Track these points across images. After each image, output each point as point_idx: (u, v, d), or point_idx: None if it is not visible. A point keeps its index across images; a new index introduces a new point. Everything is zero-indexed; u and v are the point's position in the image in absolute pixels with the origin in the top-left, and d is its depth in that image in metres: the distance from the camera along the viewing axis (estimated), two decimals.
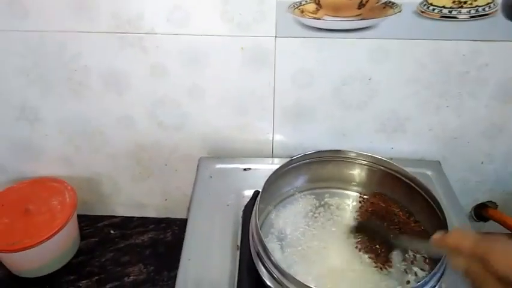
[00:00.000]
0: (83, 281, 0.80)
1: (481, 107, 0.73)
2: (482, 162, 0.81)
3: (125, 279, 0.81)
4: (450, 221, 0.67)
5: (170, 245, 0.88)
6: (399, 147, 0.79)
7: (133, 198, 0.92)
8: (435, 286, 0.50)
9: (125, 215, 0.94)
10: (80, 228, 0.89)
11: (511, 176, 0.82)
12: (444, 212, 0.58)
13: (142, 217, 0.94)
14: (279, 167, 0.63)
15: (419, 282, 0.48)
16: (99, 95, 0.75)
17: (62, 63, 0.72)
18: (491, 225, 0.85)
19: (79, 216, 0.88)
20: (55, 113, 0.78)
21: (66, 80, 0.74)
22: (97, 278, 0.81)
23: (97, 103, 0.76)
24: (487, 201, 0.85)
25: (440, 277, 0.51)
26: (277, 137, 0.80)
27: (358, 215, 0.66)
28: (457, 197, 0.72)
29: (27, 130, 0.81)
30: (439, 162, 0.79)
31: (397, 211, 0.66)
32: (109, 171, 0.87)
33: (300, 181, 0.68)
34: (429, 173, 0.76)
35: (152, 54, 0.70)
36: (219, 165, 0.78)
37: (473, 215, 0.87)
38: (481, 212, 0.85)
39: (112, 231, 0.91)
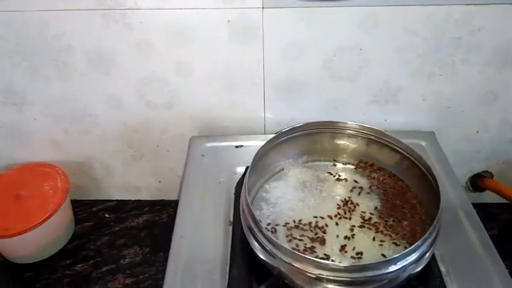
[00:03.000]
0: (79, 265, 0.80)
1: (475, 74, 0.72)
2: (477, 132, 0.79)
3: (121, 261, 0.81)
4: (445, 191, 0.67)
5: (165, 226, 0.88)
6: (392, 118, 0.78)
7: (126, 182, 0.91)
8: (427, 251, 0.49)
9: (119, 199, 0.93)
10: (75, 213, 0.88)
11: (507, 144, 0.81)
12: (438, 181, 0.57)
13: (136, 200, 0.93)
14: (268, 141, 0.62)
15: (411, 246, 0.47)
16: (85, 75, 0.74)
17: (45, 43, 0.70)
18: (487, 195, 0.84)
19: (73, 202, 0.87)
20: (42, 95, 0.77)
21: (50, 61, 0.72)
22: (93, 261, 0.81)
23: (84, 84, 0.75)
24: (483, 171, 0.84)
25: (432, 243, 0.50)
26: (269, 113, 0.78)
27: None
28: (451, 168, 0.72)
29: (15, 115, 0.79)
30: (433, 132, 0.78)
31: (391, 182, 0.65)
32: (100, 155, 0.86)
33: (290, 154, 0.67)
34: (423, 143, 0.75)
35: (137, 31, 0.68)
36: (210, 144, 0.77)
37: (469, 186, 0.86)
38: (477, 182, 0.84)
39: (106, 215, 0.90)
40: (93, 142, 0.83)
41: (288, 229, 0.59)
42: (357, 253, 0.55)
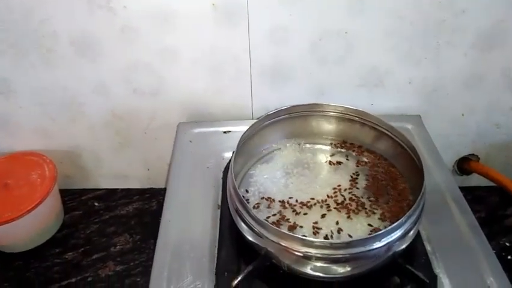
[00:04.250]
0: (69, 253, 0.80)
1: (460, 57, 0.73)
2: (462, 115, 0.80)
3: (112, 249, 0.81)
4: (432, 175, 0.68)
5: (155, 214, 0.88)
6: (379, 102, 0.78)
7: (115, 170, 0.91)
8: (411, 229, 0.50)
9: (109, 188, 0.93)
10: (64, 203, 0.88)
11: (493, 127, 0.82)
12: (423, 161, 0.57)
13: (126, 189, 0.93)
14: (254, 124, 0.62)
15: (394, 223, 0.48)
16: (70, 62, 0.73)
17: (30, 30, 0.69)
18: (474, 179, 0.85)
19: (62, 191, 0.87)
20: (28, 83, 0.76)
21: (36, 48, 0.71)
22: (82, 249, 0.81)
23: (69, 71, 0.74)
24: (469, 155, 0.85)
25: (417, 220, 0.51)
26: (256, 98, 0.78)
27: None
28: (437, 150, 0.72)
29: (1, 103, 0.78)
30: (419, 116, 0.79)
31: (381, 164, 0.65)
32: (88, 143, 0.85)
33: (277, 137, 0.67)
34: (409, 127, 0.76)
35: (121, 16, 0.68)
36: (198, 130, 0.77)
37: (456, 169, 0.87)
38: (464, 166, 0.85)
39: (96, 204, 0.90)
40: (80, 130, 0.83)
41: (271, 206, 0.59)
42: (338, 230, 0.56)
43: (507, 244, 0.78)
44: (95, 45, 0.71)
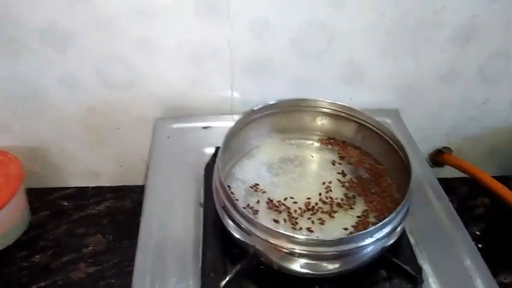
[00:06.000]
0: (37, 256, 0.75)
1: (438, 52, 0.74)
2: (438, 109, 0.82)
3: (84, 250, 0.77)
4: (412, 168, 0.69)
5: (129, 213, 0.84)
6: (358, 97, 0.78)
7: (85, 167, 0.86)
8: (398, 226, 0.50)
9: (78, 186, 0.88)
10: (30, 202, 0.83)
11: (467, 121, 0.84)
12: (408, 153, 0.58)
13: (97, 187, 0.89)
14: (241, 118, 0.61)
15: (381, 221, 0.48)
16: (38, 53, 0.68)
17: None
18: (447, 170, 0.88)
19: (27, 190, 0.81)
20: None
21: None
22: (51, 251, 0.76)
23: (36, 62, 0.70)
24: (442, 147, 0.87)
25: (403, 218, 0.51)
26: (236, 92, 0.77)
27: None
28: (416, 143, 0.74)
29: None
30: (398, 110, 0.80)
31: (366, 159, 0.66)
32: (55, 139, 0.81)
33: (262, 133, 0.66)
34: (388, 121, 0.77)
35: (96, 6, 0.64)
36: (176, 125, 0.75)
37: (429, 161, 0.89)
38: (437, 158, 0.87)
39: (65, 203, 0.85)
40: (47, 125, 0.78)
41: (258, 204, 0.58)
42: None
43: (477, 233, 0.80)
44: (65, 35, 0.67)
